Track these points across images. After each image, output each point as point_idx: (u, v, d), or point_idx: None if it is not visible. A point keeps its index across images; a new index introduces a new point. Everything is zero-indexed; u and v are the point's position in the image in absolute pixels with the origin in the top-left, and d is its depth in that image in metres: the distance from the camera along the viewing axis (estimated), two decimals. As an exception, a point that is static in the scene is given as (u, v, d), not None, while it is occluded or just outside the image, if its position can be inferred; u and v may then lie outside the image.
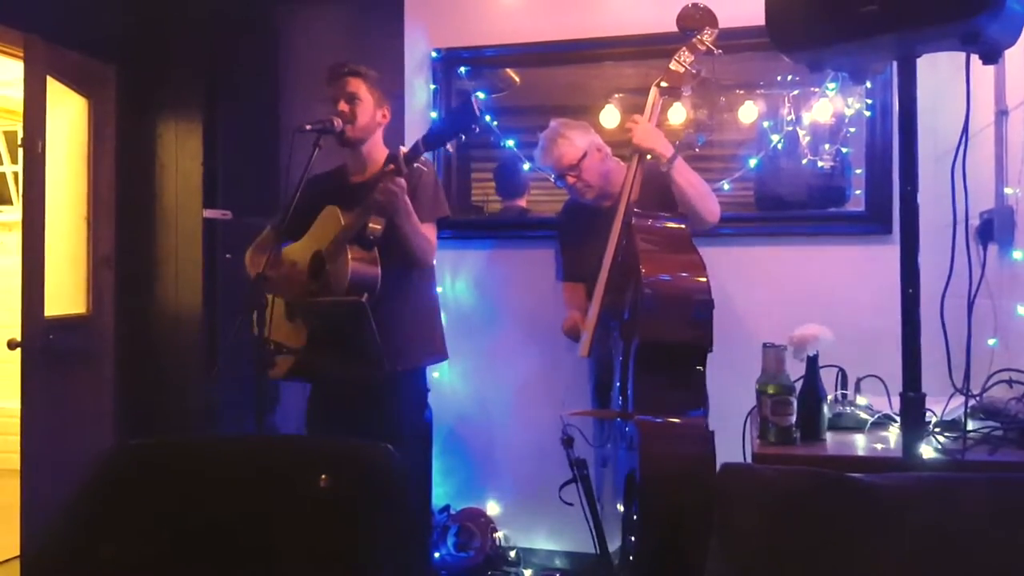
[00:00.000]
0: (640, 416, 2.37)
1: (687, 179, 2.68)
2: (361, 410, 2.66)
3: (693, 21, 2.69)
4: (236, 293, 2.88)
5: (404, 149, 2.48)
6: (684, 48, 2.67)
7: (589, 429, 2.85)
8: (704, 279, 2.41)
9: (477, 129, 2.39)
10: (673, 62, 2.68)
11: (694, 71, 2.67)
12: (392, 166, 2.46)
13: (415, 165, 2.50)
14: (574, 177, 2.89)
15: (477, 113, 2.35)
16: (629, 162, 2.70)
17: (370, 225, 2.48)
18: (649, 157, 2.69)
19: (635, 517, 2.35)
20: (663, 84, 2.69)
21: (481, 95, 3.68)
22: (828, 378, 2.13)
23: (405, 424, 2.77)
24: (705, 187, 2.76)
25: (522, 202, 3.84)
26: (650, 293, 2.39)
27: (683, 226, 2.60)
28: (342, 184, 2.80)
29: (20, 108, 3.21)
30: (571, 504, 2.63)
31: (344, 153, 2.82)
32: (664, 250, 2.52)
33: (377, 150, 2.80)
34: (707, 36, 2.67)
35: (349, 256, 2.51)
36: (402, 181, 2.48)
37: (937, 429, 1.88)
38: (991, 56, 1.55)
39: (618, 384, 2.61)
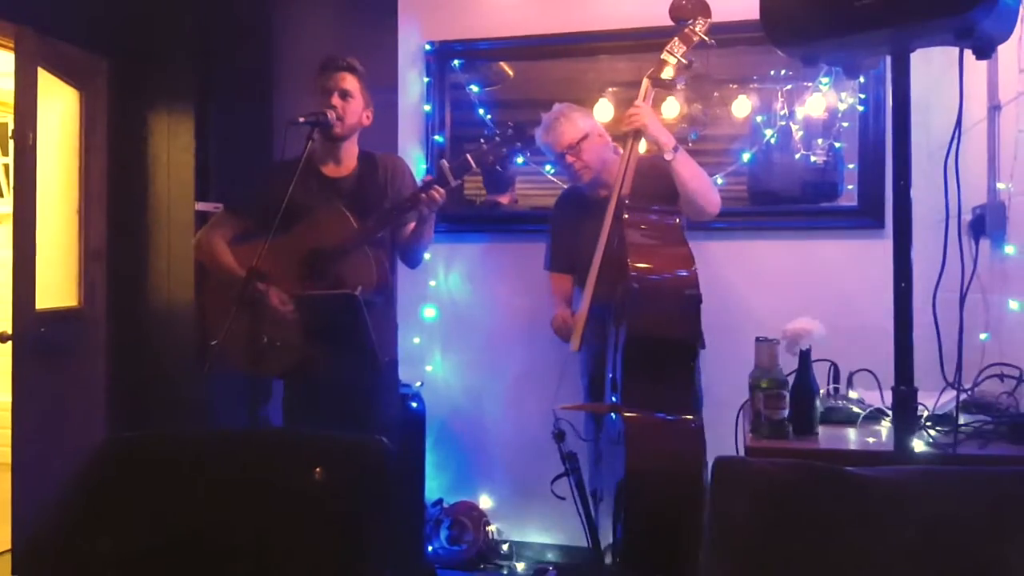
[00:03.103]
0: (628, 411, 2.36)
1: (689, 170, 2.67)
2: (349, 402, 2.65)
3: (686, 11, 2.67)
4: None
5: (446, 163, 2.61)
6: (676, 38, 2.66)
7: (581, 424, 2.85)
8: (692, 273, 2.39)
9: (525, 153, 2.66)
10: (665, 53, 2.66)
11: (686, 62, 2.65)
12: (430, 177, 2.59)
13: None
14: (573, 157, 2.87)
15: (524, 137, 2.69)
16: (624, 150, 2.69)
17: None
18: (645, 148, 2.69)
19: (622, 511, 2.35)
20: (655, 75, 2.68)
21: (475, 88, 3.68)
22: (820, 372, 2.14)
23: (390, 413, 2.81)
24: (707, 178, 2.76)
25: (505, 199, 3.83)
26: (637, 287, 2.37)
27: (675, 219, 2.58)
28: (318, 178, 2.74)
29: (11, 100, 3.18)
30: (563, 498, 2.64)
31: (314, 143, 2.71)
32: (653, 243, 2.51)
33: (354, 147, 2.79)
34: (700, 26, 2.65)
35: (372, 258, 2.59)
36: (443, 191, 2.59)
37: (929, 423, 1.89)
38: (984, 51, 1.56)
39: (610, 377, 2.60)
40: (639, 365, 2.39)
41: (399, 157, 2.93)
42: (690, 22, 2.65)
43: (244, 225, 2.73)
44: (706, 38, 2.65)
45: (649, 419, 2.34)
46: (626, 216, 2.54)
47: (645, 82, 2.69)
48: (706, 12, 2.66)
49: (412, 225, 2.77)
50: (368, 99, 2.75)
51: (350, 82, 2.68)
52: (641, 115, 2.64)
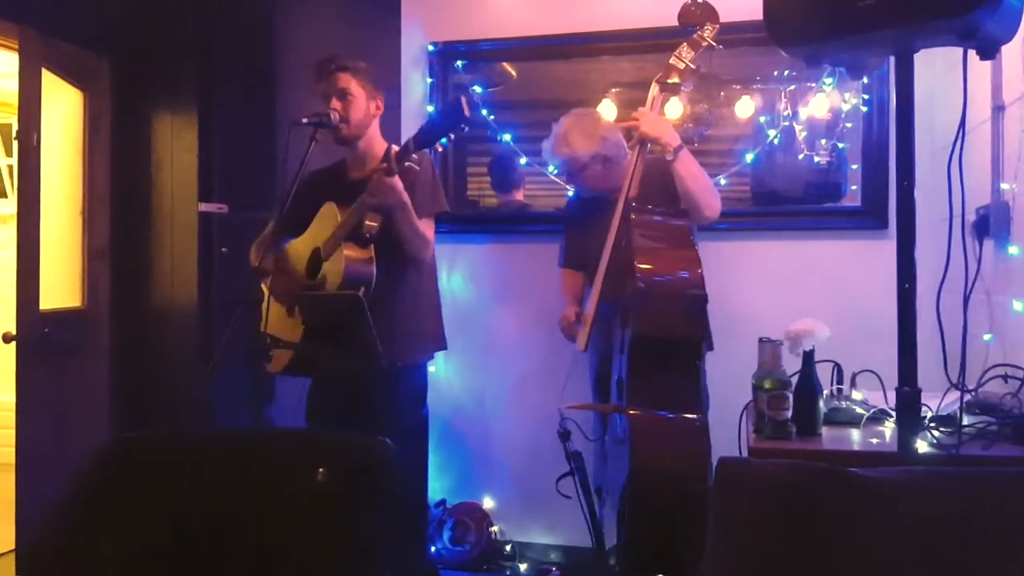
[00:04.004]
0: (632, 410, 2.37)
1: (690, 171, 2.67)
2: (359, 405, 2.65)
3: (695, 17, 2.68)
4: (232, 287, 2.88)
5: (396, 148, 2.46)
6: (685, 44, 2.66)
7: (589, 424, 2.85)
8: (698, 274, 2.40)
9: (467, 128, 2.33)
10: (673, 57, 2.67)
11: (694, 66, 2.66)
12: (384, 165, 2.42)
13: (407, 164, 2.44)
14: (573, 183, 3.02)
15: (467, 112, 2.29)
16: (631, 153, 2.70)
17: (367, 222, 2.48)
18: (651, 148, 2.69)
19: (625, 510, 2.36)
20: (663, 80, 2.68)
21: (478, 89, 3.68)
22: (824, 373, 2.14)
23: (403, 419, 2.76)
24: (707, 181, 2.75)
25: (519, 195, 3.84)
26: (643, 287, 2.38)
27: (681, 221, 2.59)
28: (341, 180, 2.78)
29: (15, 101, 3.19)
30: (568, 497, 2.63)
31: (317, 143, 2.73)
32: (659, 244, 2.52)
33: (375, 144, 2.76)
34: (708, 32, 2.65)
35: (344, 253, 2.50)
36: (395, 180, 2.45)
37: (932, 424, 1.89)
38: (988, 51, 1.55)
39: (616, 378, 2.61)
40: (644, 365, 2.39)
41: (425, 155, 2.73)
42: (698, 28, 2.66)
43: (281, 235, 2.74)
44: (714, 43, 2.65)
45: (653, 418, 2.35)
46: (633, 217, 2.54)
47: (654, 87, 2.70)
48: (714, 18, 2.67)
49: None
50: (372, 90, 2.73)
51: (345, 81, 2.66)
52: (643, 121, 2.65)
